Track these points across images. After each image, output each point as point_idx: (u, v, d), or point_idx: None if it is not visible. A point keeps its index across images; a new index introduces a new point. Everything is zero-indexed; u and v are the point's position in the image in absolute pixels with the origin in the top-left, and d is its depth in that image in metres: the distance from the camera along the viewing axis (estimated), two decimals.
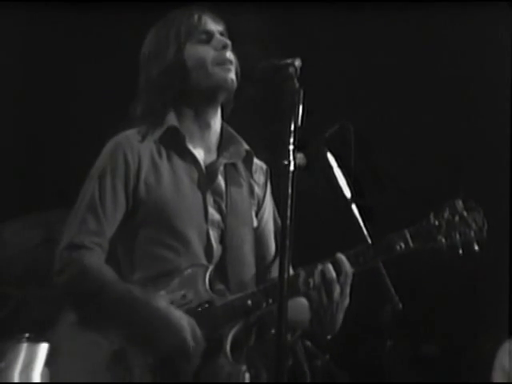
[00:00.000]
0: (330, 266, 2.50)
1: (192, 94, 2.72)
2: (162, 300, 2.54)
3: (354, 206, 2.68)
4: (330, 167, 2.73)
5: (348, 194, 2.71)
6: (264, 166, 2.86)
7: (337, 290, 2.49)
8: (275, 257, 2.79)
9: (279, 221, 2.79)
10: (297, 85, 2.37)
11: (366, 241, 2.60)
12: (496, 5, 4.70)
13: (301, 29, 4.81)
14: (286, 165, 2.24)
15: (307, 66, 2.45)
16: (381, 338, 4.25)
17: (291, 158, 2.24)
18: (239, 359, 2.54)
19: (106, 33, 4.98)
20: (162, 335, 2.49)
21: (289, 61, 2.45)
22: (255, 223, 2.78)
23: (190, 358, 2.49)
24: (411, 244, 2.51)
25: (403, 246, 2.51)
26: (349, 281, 2.50)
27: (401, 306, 2.66)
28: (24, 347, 3.94)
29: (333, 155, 2.74)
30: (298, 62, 2.44)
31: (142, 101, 2.75)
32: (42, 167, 5.08)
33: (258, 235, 2.77)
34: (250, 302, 2.53)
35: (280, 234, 2.23)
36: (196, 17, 2.73)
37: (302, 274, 2.53)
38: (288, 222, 2.21)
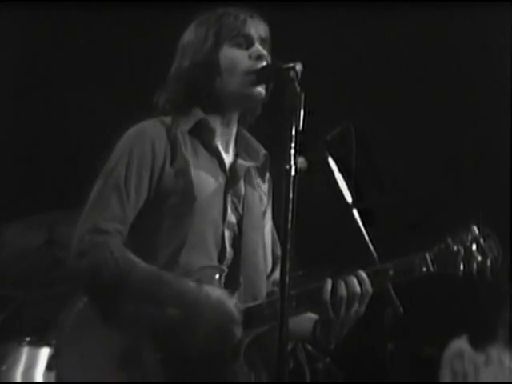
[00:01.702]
0: (355, 280, 2.44)
1: (218, 95, 2.67)
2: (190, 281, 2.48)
3: (355, 211, 2.67)
4: (331, 172, 2.72)
5: (349, 198, 2.70)
6: (268, 175, 2.83)
7: (356, 306, 2.43)
8: (272, 270, 2.76)
9: (275, 234, 2.78)
10: (298, 89, 2.35)
11: (367, 245, 2.59)
12: (496, 5, 4.70)
13: (301, 30, 4.82)
14: (288, 169, 2.22)
15: (308, 68, 2.45)
16: (382, 341, 4.25)
17: (292, 162, 2.23)
18: (252, 368, 2.51)
19: (106, 33, 4.98)
20: (201, 310, 2.43)
21: (290, 65, 2.44)
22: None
23: (236, 327, 2.44)
24: (431, 268, 2.46)
25: (424, 269, 2.45)
26: (366, 300, 2.45)
27: (402, 309, 2.65)
28: (25, 350, 3.92)
29: (334, 159, 2.74)
30: (298, 66, 2.43)
31: (169, 90, 2.71)
32: (43, 168, 5.09)
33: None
34: (266, 311, 2.47)
35: (281, 238, 2.21)
36: (241, 19, 2.67)
37: (329, 281, 2.46)
38: (289, 226, 2.20)
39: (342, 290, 2.43)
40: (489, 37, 4.86)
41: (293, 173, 2.23)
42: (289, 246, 2.19)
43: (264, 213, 2.80)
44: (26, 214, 4.51)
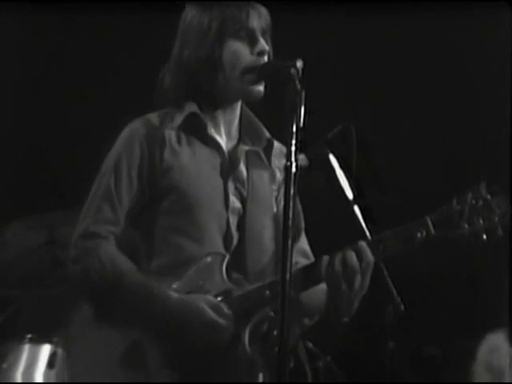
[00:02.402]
0: (353, 253, 2.43)
1: (219, 89, 2.68)
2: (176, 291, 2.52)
3: (356, 208, 2.67)
4: (332, 169, 2.72)
5: (350, 195, 2.70)
6: (284, 149, 2.75)
7: (358, 278, 2.41)
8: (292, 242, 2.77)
9: (299, 205, 2.76)
10: (298, 86, 2.35)
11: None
12: (496, 5, 4.70)
13: (301, 29, 4.82)
14: (288, 166, 2.23)
15: (308, 66, 2.45)
16: (383, 339, 4.25)
17: (293, 159, 2.23)
18: (257, 352, 2.50)
19: (105, 32, 4.98)
20: (183, 322, 2.46)
21: (290, 62, 2.45)
22: (275, 209, 2.73)
23: (221, 335, 2.46)
24: (433, 231, 2.40)
25: (424, 233, 2.40)
26: (369, 270, 2.43)
27: (403, 307, 2.63)
28: (26, 348, 3.94)
29: (335, 156, 2.74)
30: (299, 63, 2.44)
31: (170, 75, 2.72)
32: (43, 168, 5.09)
33: (277, 221, 2.71)
34: (268, 292, 2.48)
35: (283, 236, 2.20)
36: (244, 12, 2.66)
37: (325, 258, 2.47)
38: (290, 223, 2.20)
39: (338, 265, 2.43)
40: (488, 37, 4.86)
41: (294, 170, 2.23)
42: (290, 242, 2.19)
43: (278, 189, 2.78)
44: (27, 214, 4.52)
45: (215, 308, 2.48)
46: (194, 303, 2.48)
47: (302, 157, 2.33)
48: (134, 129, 2.68)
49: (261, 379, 2.57)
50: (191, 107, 2.69)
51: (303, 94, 2.33)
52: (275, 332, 2.39)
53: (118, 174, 2.63)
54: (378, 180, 3.95)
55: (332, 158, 2.73)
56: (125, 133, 2.69)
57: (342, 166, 2.72)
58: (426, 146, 5.05)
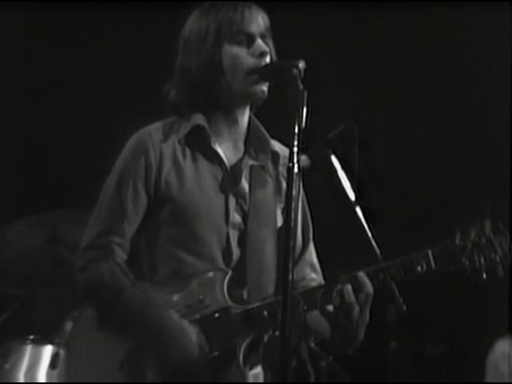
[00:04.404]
0: (349, 288, 2.43)
1: (222, 94, 2.65)
2: (173, 312, 2.52)
3: (358, 209, 2.66)
4: (334, 169, 2.71)
5: (352, 196, 2.69)
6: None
7: (356, 310, 2.42)
8: (301, 253, 2.76)
9: (308, 215, 2.78)
10: (300, 86, 2.35)
11: (371, 244, 2.58)
12: (496, 5, 4.71)
13: (303, 29, 4.83)
14: (290, 167, 2.22)
15: (310, 66, 2.45)
16: (385, 339, 4.25)
17: (295, 160, 2.22)
18: (252, 369, 2.51)
19: (106, 33, 4.99)
20: (169, 348, 2.49)
21: (293, 62, 2.44)
22: (280, 223, 2.71)
23: (196, 371, 2.48)
24: (433, 265, 2.43)
25: (425, 266, 2.42)
26: (369, 301, 2.44)
27: (405, 307, 2.63)
28: (28, 348, 3.94)
29: (336, 157, 2.73)
30: (301, 64, 2.43)
31: (175, 88, 2.70)
32: (44, 167, 5.09)
33: (281, 236, 2.67)
34: (265, 313, 2.48)
35: (286, 235, 2.20)
36: (239, 15, 2.62)
37: (322, 290, 2.48)
38: (292, 224, 2.19)
39: (336, 300, 2.44)
40: (489, 37, 4.87)
41: (295, 171, 2.22)
42: (291, 244, 2.19)
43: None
44: (28, 213, 4.52)
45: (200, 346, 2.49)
46: (182, 338, 2.49)
47: (303, 158, 2.33)
48: (139, 140, 2.67)
49: (262, 379, 2.59)
50: (197, 119, 2.66)
51: (305, 94, 2.32)
52: (272, 351, 2.42)
53: (123, 185, 2.62)
54: (380, 180, 3.96)
55: (334, 159, 2.72)
56: (130, 144, 2.68)
57: (343, 167, 2.72)
58: (428, 145, 5.05)
